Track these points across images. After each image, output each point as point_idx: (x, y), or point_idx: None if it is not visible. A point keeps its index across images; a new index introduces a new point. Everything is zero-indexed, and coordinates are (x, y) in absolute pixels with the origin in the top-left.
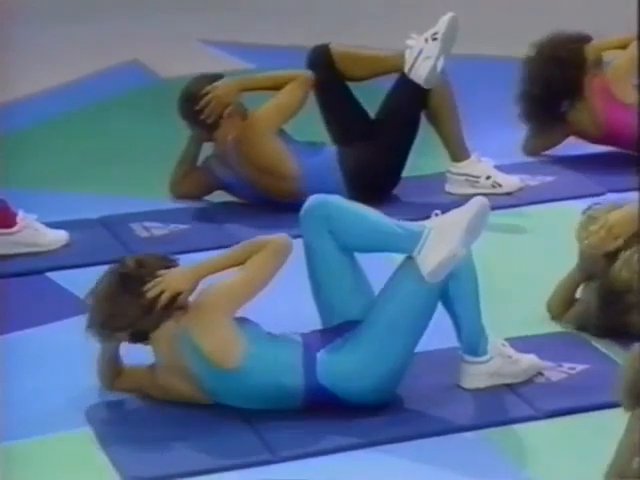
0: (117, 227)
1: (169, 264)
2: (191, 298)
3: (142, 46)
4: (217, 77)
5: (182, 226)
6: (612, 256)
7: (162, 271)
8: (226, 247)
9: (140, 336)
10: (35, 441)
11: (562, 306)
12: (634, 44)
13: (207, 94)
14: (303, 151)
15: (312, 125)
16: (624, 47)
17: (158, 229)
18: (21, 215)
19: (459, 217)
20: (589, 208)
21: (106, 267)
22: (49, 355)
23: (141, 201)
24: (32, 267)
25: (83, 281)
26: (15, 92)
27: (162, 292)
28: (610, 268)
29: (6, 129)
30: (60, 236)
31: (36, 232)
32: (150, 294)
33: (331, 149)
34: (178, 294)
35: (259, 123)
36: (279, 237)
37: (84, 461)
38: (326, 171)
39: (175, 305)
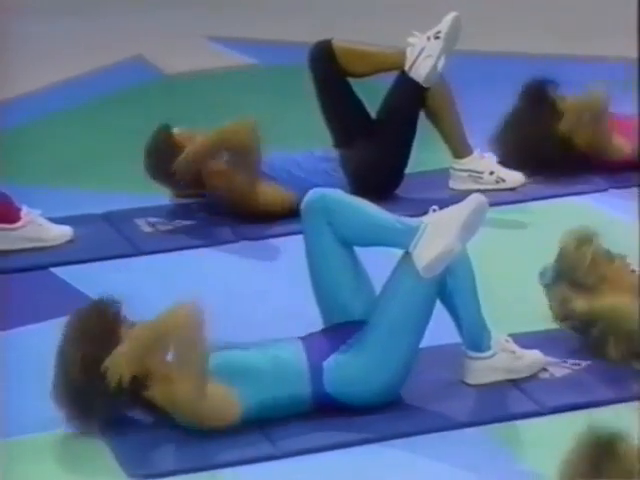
0: (121, 223)
1: (111, 328)
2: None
3: (146, 42)
4: (165, 132)
5: (186, 222)
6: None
7: (106, 361)
8: (230, 243)
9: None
10: (39, 437)
11: (560, 314)
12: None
13: (175, 168)
14: (298, 168)
15: (311, 125)
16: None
17: (162, 225)
18: (25, 210)
19: (456, 213)
20: (543, 276)
21: (110, 262)
22: (53, 351)
23: (145, 197)
24: (36, 262)
25: (87, 276)
26: (18, 88)
27: (120, 378)
28: (589, 328)
29: (10, 124)
30: (64, 231)
31: (40, 227)
32: (112, 385)
33: (331, 152)
34: (134, 377)
35: (241, 184)
36: (183, 316)
37: (88, 457)
38: (326, 179)
39: (139, 383)
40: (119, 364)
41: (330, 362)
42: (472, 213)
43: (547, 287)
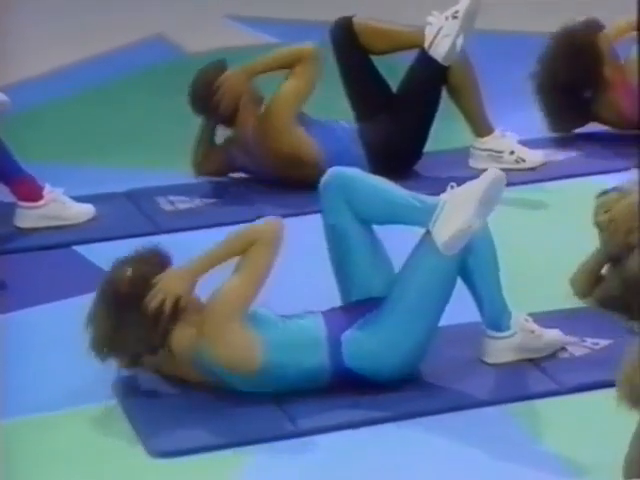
0: (143, 201)
1: (160, 262)
2: (197, 306)
3: (167, 20)
4: (221, 65)
5: (207, 200)
6: (631, 244)
7: (157, 277)
8: (250, 222)
9: (154, 349)
10: (63, 413)
11: (587, 285)
12: None
13: (219, 87)
14: (322, 131)
15: (333, 100)
16: (635, 29)
17: (183, 203)
18: (48, 189)
19: (473, 189)
20: (601, 194)
21: (132, 240)
22: (77, 328)
23: (167, 175)
24: (59, 240)
25: (109, 254)
26: (42, 66)
27: (163, 300)
28: (631, 255)
29: (33, 103)
30: (86, 209)
31: (63, 205)
32: (152, 307)
33: (351, 125)
34: (179, 298)
35: (277, 112)
36: (269, 225)
37: (110, 434)
38: (347, 149)
39: (179, 309)
40: (172, 280)
41: (348, 335)
42: (489, 188)
43: (602, 195)
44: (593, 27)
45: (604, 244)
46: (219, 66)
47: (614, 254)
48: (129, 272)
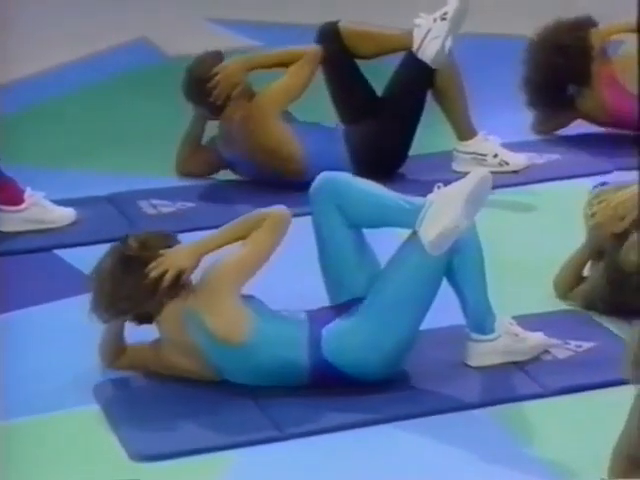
0: (125, 205)
1: (171, 242)
2: (196, 275)
3: (150, 24)
4: (219, 56)
5: (189, 204)
6: (620, 236)
7: (164, 250)
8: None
9: (145, 317)
10: (42, 418)
11: (569, 284)
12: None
13: (215, 75)
14: (307, 131)
15: (319, 104)
16: (630, 30)
17: (165, 207)
18: (29, 192)
19: (460, 188)
20: (597, 186)
21: (113, 244)
22: (56, 332)
23: (149, 179)
24: (40, 244)
25: (90, 258)
26: (21, 71)
27: (165, 271)
28: (618, 248)
29: (13, 107)
30: (68, 213)
31: (44, 209)
32: (153, 274)
33: (337, 128)
34: (181, 272)
35: (265, 104)
36: (277, 210)
37: (91, 438)
38: (331, 150)
39: (179, 284)
40: (178, 255)
41: (330, 328)
42: (475, 187)
43: (597, 188)
44: (585, 23)
45: (590, 237)
46: (216, 56)
47: (599, 248)
48: (140, 237)
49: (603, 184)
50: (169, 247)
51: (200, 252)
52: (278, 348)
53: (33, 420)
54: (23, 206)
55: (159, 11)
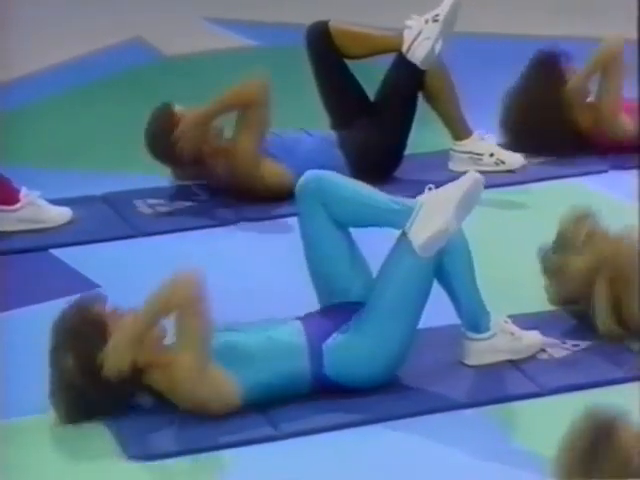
0: (121, 204)
1: (99, 324)
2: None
3: (146, 23)
4: (169, 109)
5: (186, 203)
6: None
7: (103, 352)
8: (229, 225)
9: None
10: (37, 418)
11: (559, 296)
12: (612, 65)
13: (176, 142)
14: (295, 143)
15: (309, 106)
16: (601, 68)
17: (162, 206)
18: (24, 192)
19: (452, 191)
20: (541, 251)
21: (109, 244)
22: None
23: (145, 178)
24: (35, 244)
25: (87, 258)
26: (18, 70)
27: (120, 369)
28: (587, 302)
29: (9, 107)
30: (63, 213)
31: (39, 209)
32: (113, 379)
33: (329, 133)
34: (131, 362)
35: (241, 159)
36: (182, 288)
37: (87, 438)
38: (325, 156)
39: (141, 368)
40: (118, 350)
41: (329, 344)
42: (468, 191)
43: (545, 259)
44: (554, 76)
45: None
46: (166, 110)
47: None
48: (73, 358)
49: (546, 256)
50: (101, 332)
51: (139, 336)
52: (277, 376)
53: (32, 420)
54: (18, 205)
55: (156, 11)
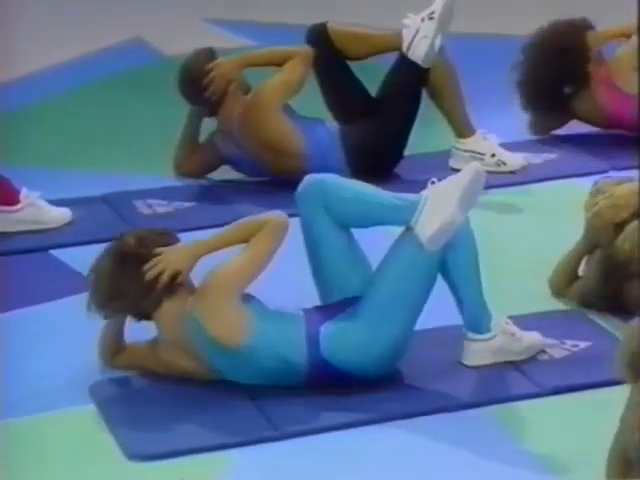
0: (120, 205)
1: (169, 240)
2: (196, 279)
3: (146, 23)
4: (212, 53)
5: (185, 204)
6: (617, 228)
7: (161, 249)
8: (229, 224)
9: (142, 315)
10: (38, 418)
11: (564, 281)
12: (635, 36)
13: (209, 72)
14: (307, 127)
15: (312, 105)
16: (628, 35)
17: (161, 207)
18: (24, 193)
19: (455, 183)
20: (598, 182)
21: (111, 242)
22: (53, 332)
23: (145, 179)
24: (35, 244)
25: (86, 258)
26: (18, 70)
27: (161, 272)
28: (613, 240)
29: (9, 107)
30: (63, 214)
31: (39, 209)
32: (149, 274)
33: (333, 126)
34: (177, 273)
35: (264, 100)
36: (276, 216)
37: (87, 438)
38: (329, 148)
39: (175, 284)
40: (175, 255)
41: (327, 327)
42: (470, 182)
43: (596, 184)
44: (582, 25)
45: (588, 228)
46: (209, 53)
47: (596, 241)
48: (137, 235)
49: (600, 181)
50: (167, 245)
51: (197, 254)
52: (277, 347)
53: (31, 419)
54: (18, 206)
55: (156, 11)
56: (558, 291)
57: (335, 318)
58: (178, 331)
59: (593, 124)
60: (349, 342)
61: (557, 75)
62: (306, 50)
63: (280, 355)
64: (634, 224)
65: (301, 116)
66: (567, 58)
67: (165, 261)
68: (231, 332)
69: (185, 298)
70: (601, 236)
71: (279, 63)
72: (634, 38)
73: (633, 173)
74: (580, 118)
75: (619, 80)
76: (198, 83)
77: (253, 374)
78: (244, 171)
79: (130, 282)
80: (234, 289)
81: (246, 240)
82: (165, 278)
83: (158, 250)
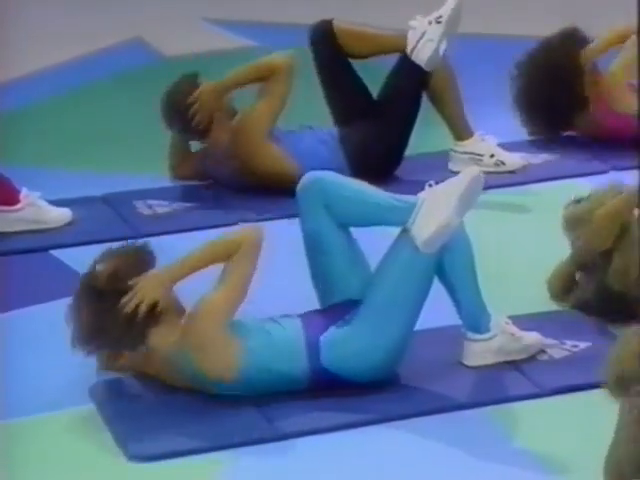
0: (120, 205)
1: (144, 264)
2: (177, 307)
3: (146, 24)
4: (194, 79)
5: (185, 204)
6: (605, 252)
7: (136, 279)
8: (229, 225)
9: (130, 347)
10: (38, 418)
11: (561, 289)
12: (629, 43)
13: (192, 102)
14: (298, 139)
15: (312, 103)
16: (622, 39)
17: (161, 207)
18: (25, 192)
19: (452, 186)
20: (571, 203)
21: (109, 245)
22: (53, 332)
23: (145, 179)
24: (35, 244)
25: (86, 259)
26: (19, 70)
27: (139, 303)
28: (604, 264)
29: (9, 107)
30: (64, 214)
31: (39, 209)
32: (127, 309)
33: (331, 131)
34: (156, 302)
35: (251, 128)
36: (251, 232)
37: (87, 438)
38: (326, 154)
39: (156, 312)
40: (150, 284)
41: (327, 336)
42: (468, 186)
43: (572, 205)
44: (575, 38)
45: (575, 254)
46: (191, 79)
47: (586, 262)
48: (108, 268)
49: (578, 201)
50: (143, 270)
51: (173, 279)
52: (275, 365)
53: (31, 419)
54: (19, 206)
55: (156, 11)
56: (556, 296)
57: (334, 326)
58: (169, 360)
59: (593, 139)
60: (350, 351)
61: (552, 93)
62: (287, 61)
63: (279, 371)
64: (623, 260)
65: (288, 132)
66: (561, 75)
67: (141, 292)
68: (222, 367)
69: (174, 322)
70: (588, 260)
71: (262, 78)
72: (629, 43)
73: (630, 175)
74: (580, 132)
75: (614, 102)
76: (183, 113)
77: (252, 390)
78: (236, 189)
79: (109, 318)
80: (222, 320)
81: (223, 259)
82: (143, 310)
83: (132, 282)
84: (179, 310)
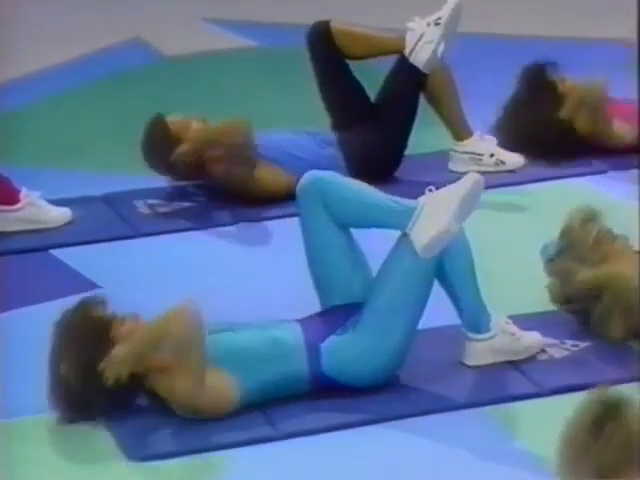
0: (120, 204)
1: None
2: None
3: (145, 23)
4: (159, 121)
5: (185, 204)
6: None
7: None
8: (228, 225)
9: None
10: (38, 418)
11: (561, 292)
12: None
13: (174, 139)
14: (296, 147)
15: (310, 106)
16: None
17: (161, 207)
18: (24, 192)
19: (453, 192)
20: (547, 255)
21: (109, 244)
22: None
23: (144, 179)
24: (35, 244)
25: (87, 258)
26: (18, 70)
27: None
28: (592, 304)
29: (9, 107)
30: (63, 213)
31: (39, 209)
32: (110, 380)
33: (330, 135)
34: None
35: (241, 171)
36: (180, 327)
37: (87, 439)
38: (323, 156)
39: (136, 379)
40: (117, 364)
41: (328, 343)
42: (469, 192)
43: (549, 262)
44: (549, 92)
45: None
46: (158, 122)
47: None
48: (73, 361)
49: (551, 258)
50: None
51: (138, 356)
52: (276, 373)
53: (31, 419)
54: (19, 206)
55: (156, 11)
56: (557, 300)
57: (335, 333)
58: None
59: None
60: (351, 358)
61: (540, 129)
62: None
63: (280, 379)
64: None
65: (283, 138)
66: (546, 127)
67: (112, 367)
68: (221, 406)
69: (165, 373)
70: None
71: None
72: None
73: (629, 174)
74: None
75: (601, 134)
76: (163, 154)
77: (254, 401)
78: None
79: (95, 392)
80: (198, 392)
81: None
82: (124, 381)
83: (102, 364)
84: (165, 362)
